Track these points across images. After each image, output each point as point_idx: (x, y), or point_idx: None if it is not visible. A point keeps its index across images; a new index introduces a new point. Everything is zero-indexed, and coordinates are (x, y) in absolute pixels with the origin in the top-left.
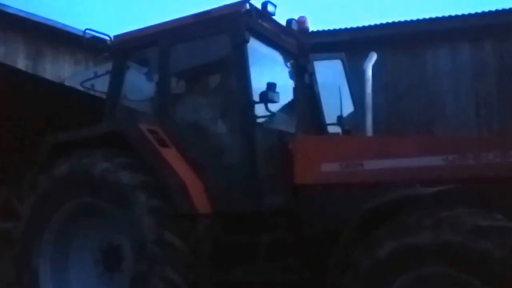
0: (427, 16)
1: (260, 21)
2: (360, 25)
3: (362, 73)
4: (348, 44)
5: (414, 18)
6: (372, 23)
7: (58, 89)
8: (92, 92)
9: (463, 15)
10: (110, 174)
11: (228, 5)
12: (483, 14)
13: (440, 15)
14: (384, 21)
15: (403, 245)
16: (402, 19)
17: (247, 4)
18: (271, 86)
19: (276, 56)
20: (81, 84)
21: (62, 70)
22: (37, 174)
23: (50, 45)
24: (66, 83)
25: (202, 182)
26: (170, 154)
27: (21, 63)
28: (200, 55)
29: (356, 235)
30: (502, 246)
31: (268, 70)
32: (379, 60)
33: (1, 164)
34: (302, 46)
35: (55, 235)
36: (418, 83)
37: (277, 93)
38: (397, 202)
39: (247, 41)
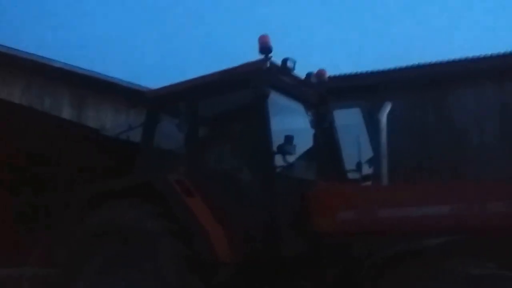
0: (450, 58)
1: (280, 76)
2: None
3: (377, 122)
4: (367, 88)
5: (434, 60)
6: (391, 67)
7: (96, 137)
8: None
9: (485, 56)
10: (136, 222)
11: (251, 62)
12: (506, 55)
13: (463, 56)
14: (402, 65)
15: None
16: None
17: (268, 62)
18: (288, 139)
19: (296, 107)
20: (117, 135)
21: (104, 119)
22: (70, 224)
23: (93, 95)
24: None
25: (226, 230)
26: (195, 204)
27: (66, 112)
28: (226, 109)
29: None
30: None
31: (289, 121)
32: (400, 104)
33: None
34: (321, 97)
35: (90, 285)
36: (442, 125)
37: (294, 145)
38: (398, 255)
39: (268, 96)
